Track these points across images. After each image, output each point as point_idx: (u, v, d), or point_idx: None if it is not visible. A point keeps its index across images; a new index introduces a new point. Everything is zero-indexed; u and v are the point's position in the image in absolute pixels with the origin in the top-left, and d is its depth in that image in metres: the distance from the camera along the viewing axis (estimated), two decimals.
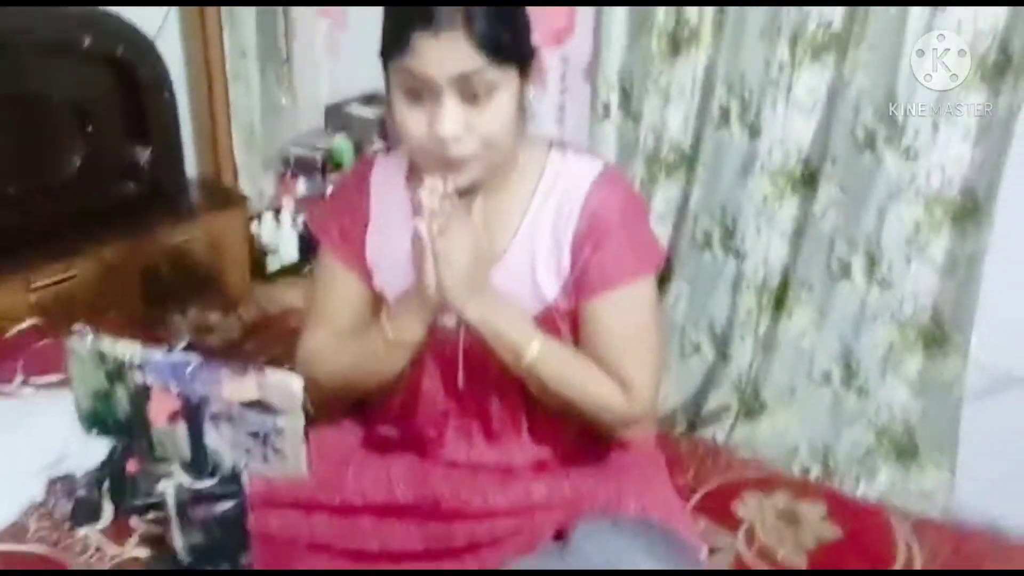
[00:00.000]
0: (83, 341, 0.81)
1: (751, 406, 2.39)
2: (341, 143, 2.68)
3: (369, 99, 2.90)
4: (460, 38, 1.05)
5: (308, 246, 2.34)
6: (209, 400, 0.79)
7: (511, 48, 1.10)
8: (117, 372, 0.81)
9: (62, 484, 1.33)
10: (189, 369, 0.81)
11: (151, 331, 1.65)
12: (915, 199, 2.10)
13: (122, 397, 0.82)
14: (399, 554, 1.18)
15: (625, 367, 1.19)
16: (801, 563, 1.27)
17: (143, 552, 1.21)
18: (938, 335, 2.17)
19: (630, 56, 2.36)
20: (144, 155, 1.90)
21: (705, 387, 2.48)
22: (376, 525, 1.19)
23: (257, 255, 2.21)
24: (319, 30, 3.02)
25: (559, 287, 1.20)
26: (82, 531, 1.28)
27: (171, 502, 0.78)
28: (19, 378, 1.44)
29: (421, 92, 1.08)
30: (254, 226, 2.23)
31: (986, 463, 2.17)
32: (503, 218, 1.20)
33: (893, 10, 1.98)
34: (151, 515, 1.32)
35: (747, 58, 2.19)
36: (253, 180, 2.52)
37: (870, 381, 2.28)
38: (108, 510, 1.30)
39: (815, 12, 2.08)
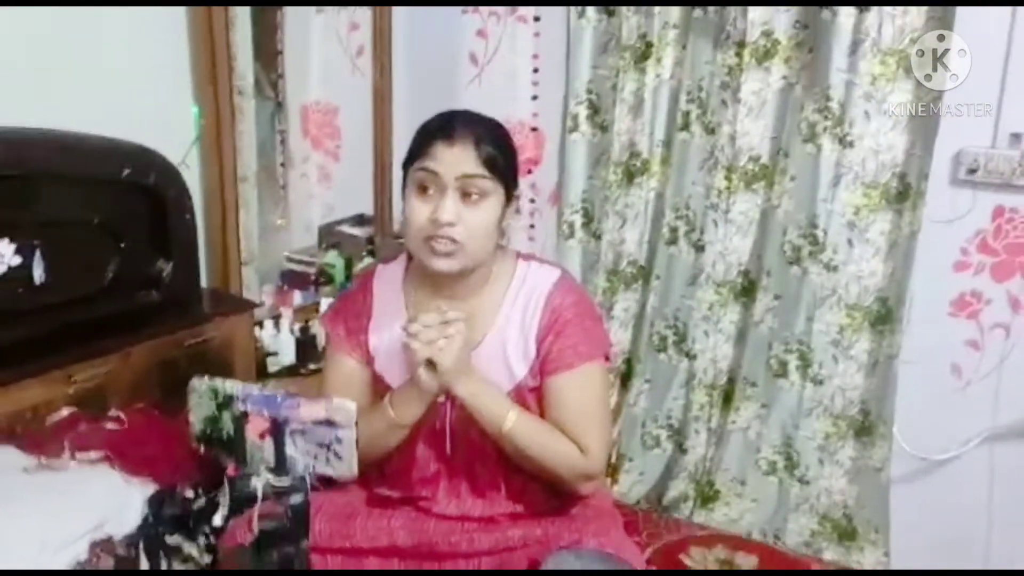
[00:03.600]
0: (201, 380, 1.07)
1: (706, 494, 2.63)
2: (333, 259, 2.97)
3: (359, 220, 3.21)
4: (469, 150, 1.39)
5: (304, 350, 2.61)
6: (290, 420, 1.04)
7: (503, 167, 1.43)
8: (225, 403, 1.06)
9: (103, 545, 1.54)
10: (278, 399, 1.07)
11: (173, 418, 1.88)
12: (838, 306, 2.42)
13: (227, 421, 1.07)
14: None
15: (582, 432, 1.45)
16: None
17: None
18: (866, 426, 2.46)
19: (590, 184, 2.71)
20: (167, 268, 2.17)
21: (665, 478, 2.72)
22: (381, 564, 1.43)
23: (260, 356, 2.47)
24: (313, 160, 3.36)
25: (527, 369, 1.47)
26: None
27: (260, 494, 1.03)
28: (66, 454, 1.66)
29: (429, 189, 1.40)
30: (257, 331, 2.49)
31: (916, 541, 2.42)
32: (482, 313, 1.49)
33: (809, 147, 2.35)
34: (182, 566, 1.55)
35: (690, 186, 2.55)
36: (254, 292, 2.79)
37: (810, 470, 2.53)
38: (144, 566, 1.52)
39: (746, 147, 2.45)
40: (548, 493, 1.50)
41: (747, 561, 1.62)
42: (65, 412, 1.82)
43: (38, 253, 1.92)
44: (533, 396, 1.48)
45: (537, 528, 1.46)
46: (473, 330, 1.44)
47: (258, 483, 1.02)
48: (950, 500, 2.39)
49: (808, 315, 2.44)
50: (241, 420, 1.06)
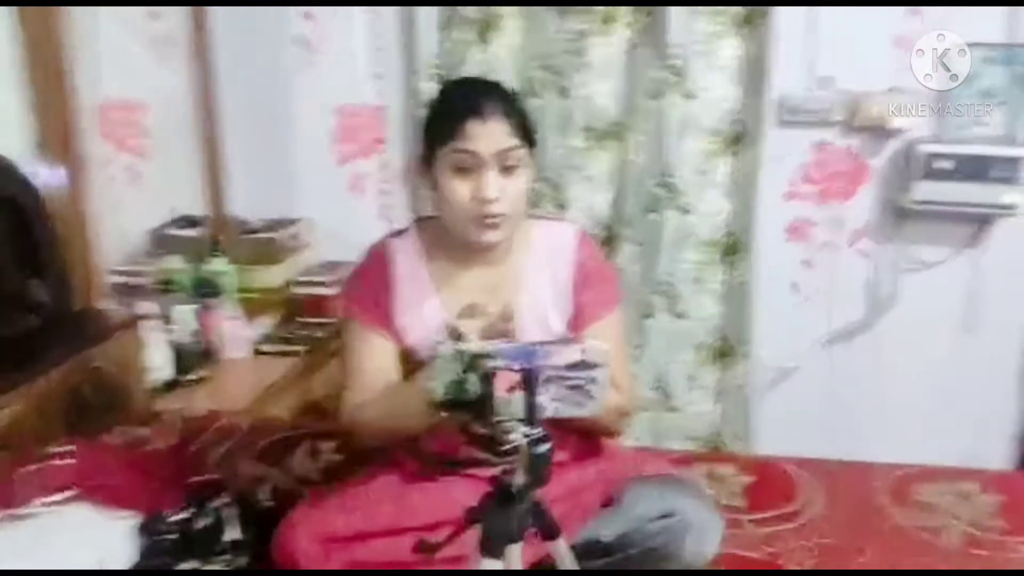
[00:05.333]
0: (446, 346, 1.03)
1: None
2: (177, 264, 2.75)
3: (188, 222, 2.99)
4: (502, 123, 1.40)
5: (180, 361, 2.42)
6: (543, 369, 1.03)
7: (531, 133, 1.46)
8: (471, 364, 1.03)
9: None
10: (532, 348, 1.06)
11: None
12: (694, 245, 2.68)
13: (473, 381, 1.03)
14: None
15: (615, 373, 1.52)
16: (738, 502, 1.69)
17: None
18: (726, 349, 2.75)
19: None
20: (40, 289, 1.94)
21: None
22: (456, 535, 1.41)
23: None
24: (119, 163, 3.08)
25: (563, 323, 1.53)
26: None
27: (523, 447, 1.01)
28: (35, 501, 1.45)
29: (467, 168, 1.39)
30: None
31: (777, 438, 2.75)
32: (512, 277, 1.52)
33: (655, 104, 2.57)
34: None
35: (551, 149, 2.68)
36: None
37: (680, 398, 2.79)
38: None
39: (600, 108, 2.62)
40: (581, 439, 1.57)
41: (727, 471, 1.80)
42: None
43: None
44: None
45: (588, 468, 1.53)
46: (506, 294, 1.46)
47: (518, 436, 1.01)
48: (801, 398, 2.76)
49: (670, 256, 2.68)
50: (489, 377, 1.03)
